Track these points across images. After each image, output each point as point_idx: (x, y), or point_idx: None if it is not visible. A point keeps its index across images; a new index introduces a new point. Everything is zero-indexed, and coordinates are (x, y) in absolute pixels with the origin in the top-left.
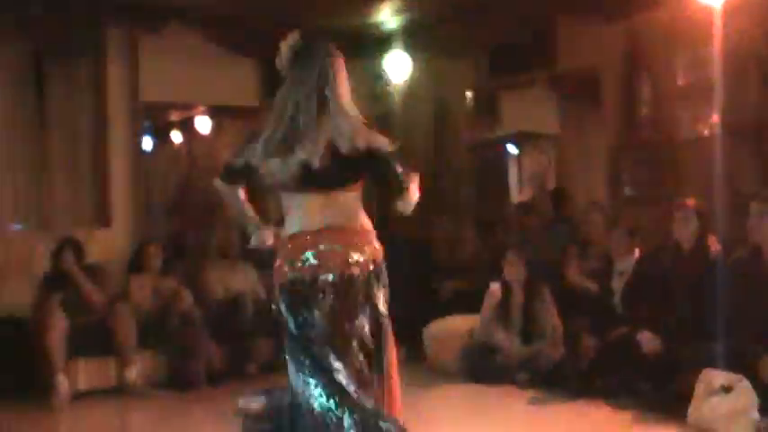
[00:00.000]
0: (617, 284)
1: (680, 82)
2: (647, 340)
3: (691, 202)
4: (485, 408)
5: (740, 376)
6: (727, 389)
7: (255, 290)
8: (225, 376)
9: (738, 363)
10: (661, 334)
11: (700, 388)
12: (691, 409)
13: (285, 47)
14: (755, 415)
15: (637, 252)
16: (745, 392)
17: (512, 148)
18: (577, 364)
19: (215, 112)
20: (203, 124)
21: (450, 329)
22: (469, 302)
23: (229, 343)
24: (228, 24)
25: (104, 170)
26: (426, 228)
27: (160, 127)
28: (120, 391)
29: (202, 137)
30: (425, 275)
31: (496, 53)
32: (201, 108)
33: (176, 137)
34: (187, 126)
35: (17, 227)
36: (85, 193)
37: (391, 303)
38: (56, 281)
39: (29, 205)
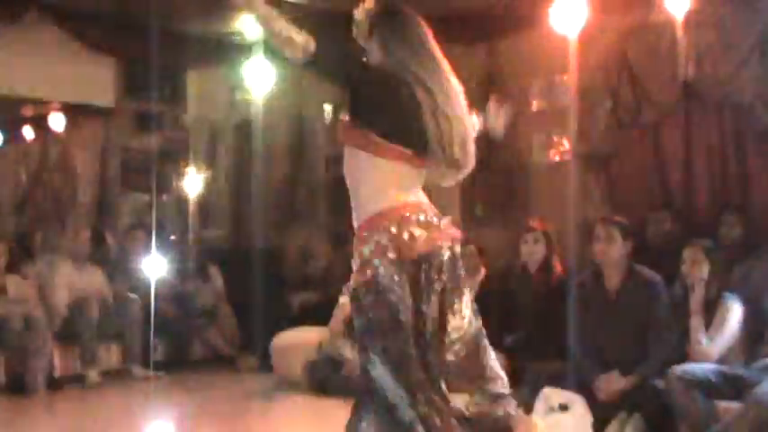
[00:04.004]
0: None
1: (534, 108)
2: None
3: (538, 224)
4: (327, 418)
5: (577, 395)
6: (563, 407)
7: (104, 292)
8: (65, 381)
9: (576, 382)
10: (503, 351)
11: (539, 405)
12: None
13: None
14: None
15: (483, 271)
16: (580, 411)
17: None
18: None
19: (70, 110)
20: (57, 122)
21: (298, 341)
22: (319, 315)
23: (73, 347)
24: (88, 20)
25: None
26: (279, 239)
27: (11, 122)
28: None
29: (56, 135)
30: (277, 287)
31: None
32: (56, 105)
33: (28, 133)
34: (40, 123)
35: None
36: None
37: (242, 315)
38: None
39: None
